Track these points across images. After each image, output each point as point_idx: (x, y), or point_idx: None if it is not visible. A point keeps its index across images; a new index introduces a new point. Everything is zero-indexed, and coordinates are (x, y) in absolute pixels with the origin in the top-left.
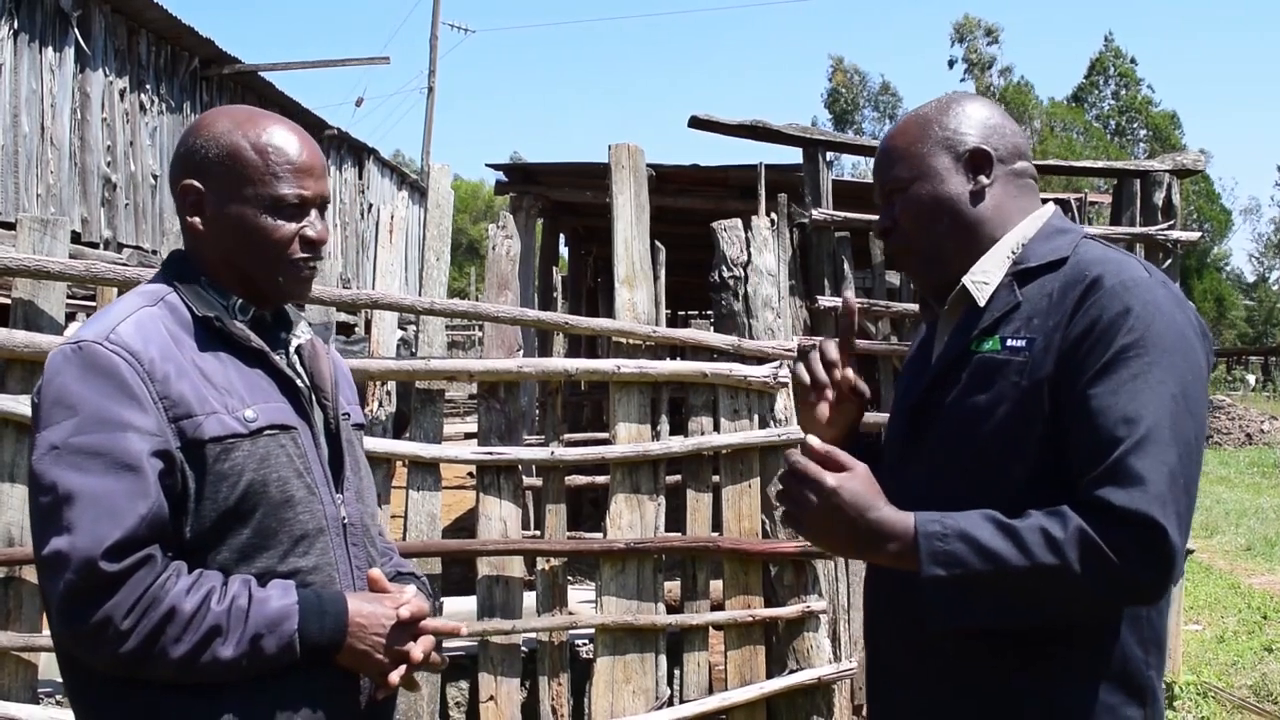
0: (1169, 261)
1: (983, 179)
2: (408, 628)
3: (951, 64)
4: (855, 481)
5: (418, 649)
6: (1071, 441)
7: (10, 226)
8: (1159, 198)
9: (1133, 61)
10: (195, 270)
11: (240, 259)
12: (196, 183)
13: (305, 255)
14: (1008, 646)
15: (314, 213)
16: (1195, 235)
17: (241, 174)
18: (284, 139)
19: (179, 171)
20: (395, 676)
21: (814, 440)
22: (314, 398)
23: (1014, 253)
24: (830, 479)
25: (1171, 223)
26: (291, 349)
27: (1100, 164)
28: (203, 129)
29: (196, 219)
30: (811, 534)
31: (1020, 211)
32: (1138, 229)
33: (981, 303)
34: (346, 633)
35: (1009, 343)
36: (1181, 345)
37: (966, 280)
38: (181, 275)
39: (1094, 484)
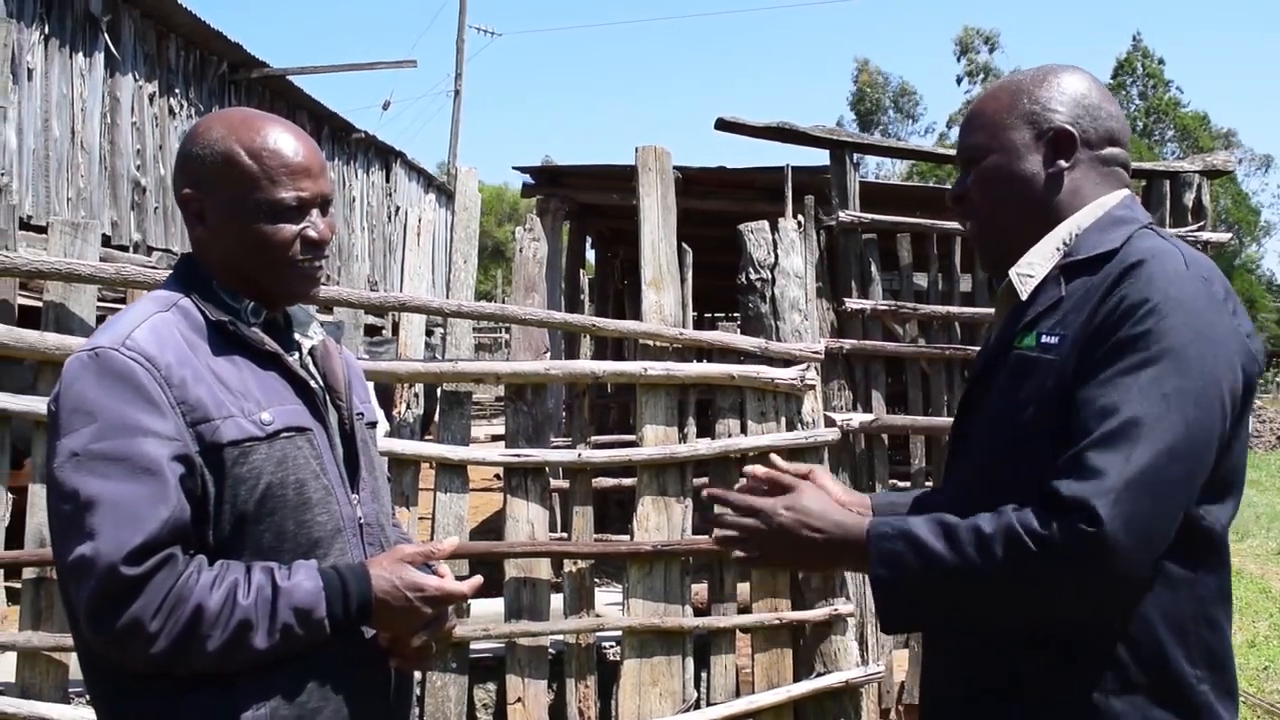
0: None
1: (1062, 162)
2: (431, 596)
3: (959, 80)
4: (802, 499)
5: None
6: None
7: (41, 230)
8: (1189, 199)
9: (1160, 62)
10: (205, 274)
11: (244, 263)
12: (197, 191)
13: (308, 256)
14: (1042, 648)
15: (315, 212)
16: (1225, 236)
17: (238, 180)
18: (279, 141)
19: (179, 180)
20: (420, 638)
21: (754, 468)
22: (328, 398)
23: (1066, 243)
24: (774, 504)
25: (1201, 224)
26: (304, 350)
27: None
28: (199, 136)
29: (200, 226)
30: (771, 559)
31: (1093, 200)
32: (1167, 230)
33: (1024, 296)
34: (372, 608)
35: (1044, 339)
36: (1196, 345)
37: (1012, 272)
38: (192, 280)
39: (1054, 473)
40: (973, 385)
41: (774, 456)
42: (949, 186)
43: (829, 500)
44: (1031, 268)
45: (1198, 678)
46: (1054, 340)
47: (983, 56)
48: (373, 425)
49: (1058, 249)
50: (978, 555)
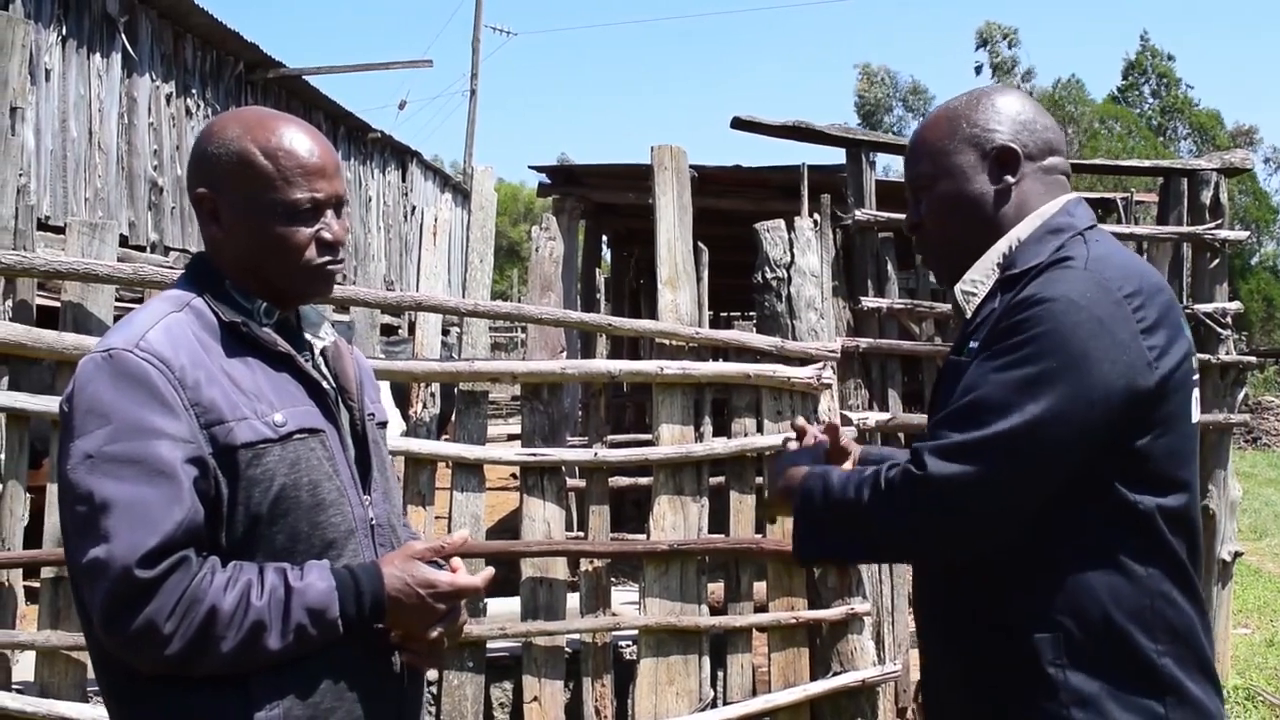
0: (1216, 261)
1: (1008, 178)
2: (443, 592)
3: (979, 69)
4: (787, 454)
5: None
6: None
7: (59, 230)
8: (1206, 197)
9: (1170, 58)
10: (218, 274)
11: (259, 264)
12: (211, 191)
13: (324, 258)
14: (1004, 631)
15: (329, 213)
16: (1243, 234)
17: (253, 181)
18: (294, 141)
19: (194, 180)
20: (434, 633)
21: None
22: (340, 399)
23: (1005, 256)
24: (770, 454)
25: (1219, 222)
26: (316, 351)
27: (1147, 163)
28: (214, 135)
29: (214, 226)
30: (772, 502)
31: (1036, 210)
32: (1185, 228)
33: (968, 314)
34: (385, 606)
35: (970, 346)
36: (1063, 334)
37: (956, 290)
38: (205, 279)
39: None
40: (932, 395)
41: (799, 420)
42: None
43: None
44: (974, 285)
45: (1158, 651)
46: (975, 345)
47: (1003, 51)
48: (383, 425)
49: (998, 264)
50: (854, 495)
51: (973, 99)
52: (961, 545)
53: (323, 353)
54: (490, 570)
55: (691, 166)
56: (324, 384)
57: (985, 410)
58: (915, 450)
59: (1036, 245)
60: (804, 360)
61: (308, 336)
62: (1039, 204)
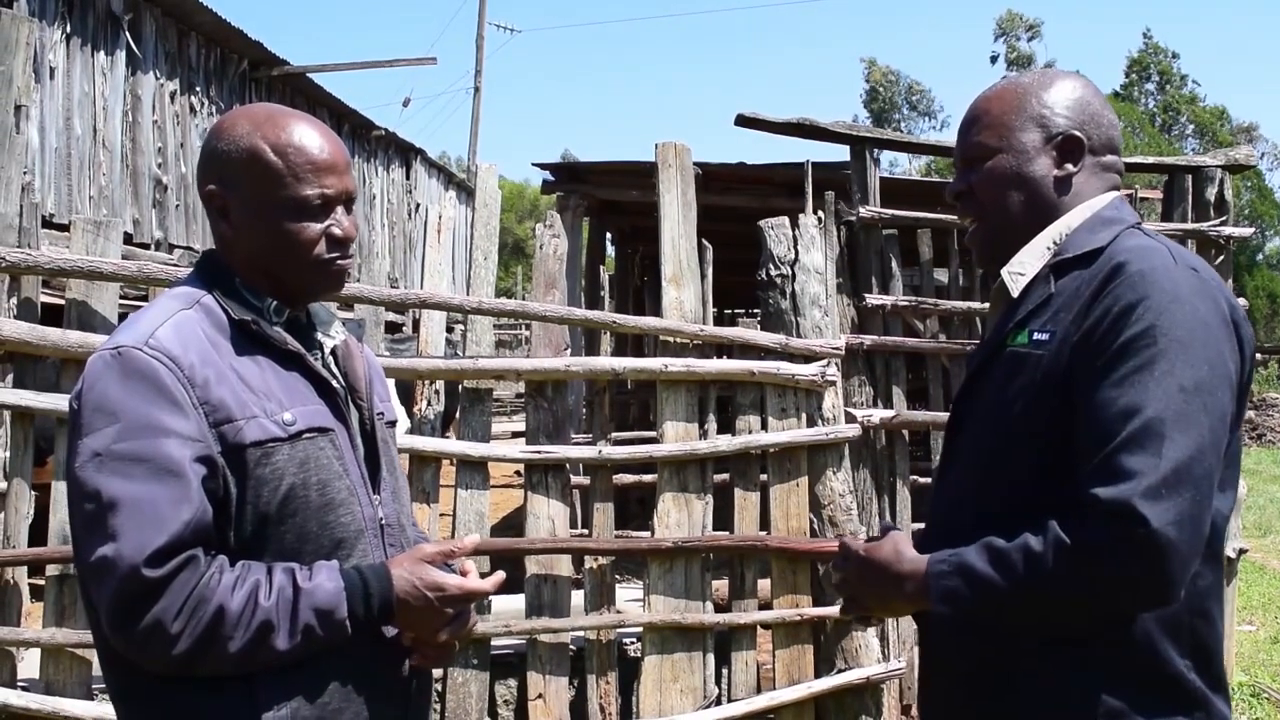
0: (1221, 258)
1: (1069, 166)
2: (452, 596)
3: (994, 59)
4: (879, 548)
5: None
6: (1077, 438)
7: (64, 228)
8: (1211, 193)
9: (1174, 56)
10: (228, 272)
11: (269, 261)
12: (221, 188)
13: (334, 254)
14: (1034, 641)
15: (339, 210)
16: (1248, 231)
17: (263, 177)
18: (304, 137)
19: (203, 176)
20: (443, 636)
21: (847, 539)
22: (349, 398)
23: (1055, 243)
24: (860, 548)
25: (1224, 218)
26: (327, 350)
27: (1151, 160)
28: (223, 132)
29: (224, 223)
30: (857, 597)
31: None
32: (1189, 225)
33: (1015, 294)
34: (393, 608)
35: (1035, 336)
36: (1200, 334)
37: (1004, 272)
38: (215, 277)
39: (1087, 481)
40: (969, 381)
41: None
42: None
43: (902, 550)
44: (1023, 266)
45: (1188, 667)
46: (1044, 337)
47: (1021, 45)
48: (392, 424)
49: (1048, 248)
50: (1030, 575)
51: (1045, 78)
52: (1182, 588)
53: (333, 351)
54: (500, 575)
55: (696, 164)
56: (333, 383)
57: (1167, 428)
58: (1111, 501)
59: (1089, 233)
60: (808, 357)
61: (318, 335)
62: (1090, 197)
